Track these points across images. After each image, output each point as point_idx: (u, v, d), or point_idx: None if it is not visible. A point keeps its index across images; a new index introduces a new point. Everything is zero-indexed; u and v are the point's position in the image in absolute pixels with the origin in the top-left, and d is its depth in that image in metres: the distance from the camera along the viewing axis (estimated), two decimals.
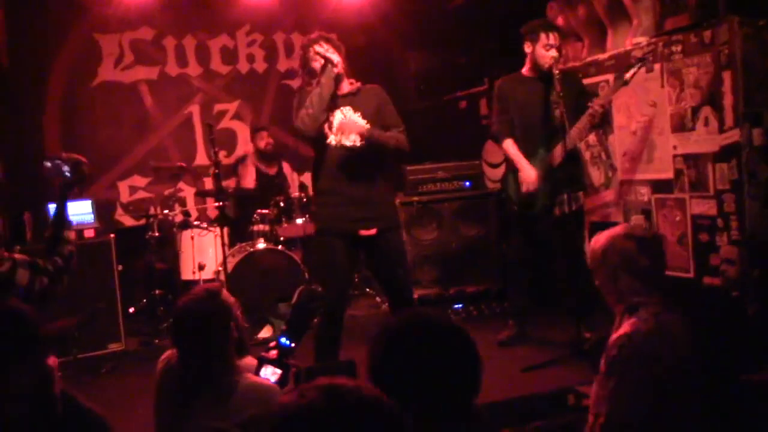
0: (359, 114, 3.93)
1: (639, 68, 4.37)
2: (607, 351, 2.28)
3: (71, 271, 2.55)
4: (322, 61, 3.83)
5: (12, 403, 1.64)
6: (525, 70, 4.71)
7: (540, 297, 5.16)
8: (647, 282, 2.40)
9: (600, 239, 2.47)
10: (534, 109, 4.64)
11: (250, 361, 2.53)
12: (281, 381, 2.38)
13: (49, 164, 2.68)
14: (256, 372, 2.38)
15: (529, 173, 4.58)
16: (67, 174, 2.65)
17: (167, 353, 2.42)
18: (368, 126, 3.89)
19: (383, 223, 3.96)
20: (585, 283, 4.54)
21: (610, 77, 4.94)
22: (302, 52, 4.03)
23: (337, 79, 3.85)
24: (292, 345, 2.45)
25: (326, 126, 3.90)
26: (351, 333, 4.70)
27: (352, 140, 3.91)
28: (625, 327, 2.30)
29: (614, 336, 2.31)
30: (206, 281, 5.97)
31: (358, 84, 4.04)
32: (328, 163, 3.93)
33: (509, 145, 4.68)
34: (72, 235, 2.61)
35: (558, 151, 4.51)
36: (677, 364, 2.26)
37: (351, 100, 3.96)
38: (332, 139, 3.91)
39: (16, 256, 2.44)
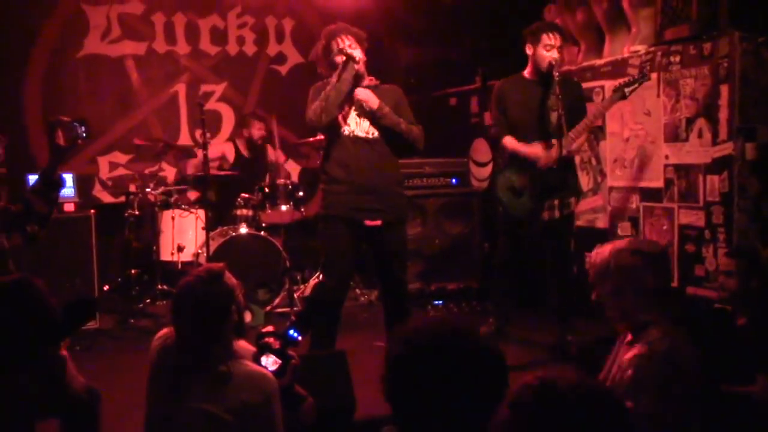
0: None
1: (639, 85, 4.37)
2: (621, 372, 2.21)
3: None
4: (344, 57, 3.78)
5: (23, 398, 1.55)
6: (526, 73, 4.68)
7: (524, 298, 5.17)
8: (653, 300, 2.32)
9: (603, 253, 2.37)
10: (530, 112, 4.61)
11: (244, 344, 2.48)
12: (279, 371, 2.35)
13: (67, 125, 2.70)
14: (256, 358, 2.34)
15: (536, 151, 4.44)
16: (84, 134, 2.67)
17: (164, 331, 2.37)
18: (380, 102, 3.83)
19: (389, 216, 3.93)
20: (569, 287, 4.59)
21: (606, 83, 4.96)
22: (324, 42, 3.92)
23: (357, 77, 3.82)
24: (299, 338, 2.43)
25: (340, 117, 3.86)
26: None
27: (365, 130, 3.89)
28: (639, 347, 2.22)
29: (628, 356, 2.24)
30: (184, 263, 5.89)
31: (377, 82, 4.00)
32: (339, 151, 3.91)
33: (508, 141, 4.56)
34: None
35: (552, 155, 4.51)
36: (691, 384, 2.21)
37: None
38: (346, 129, 3.89)
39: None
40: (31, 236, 2.68)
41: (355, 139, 3.87)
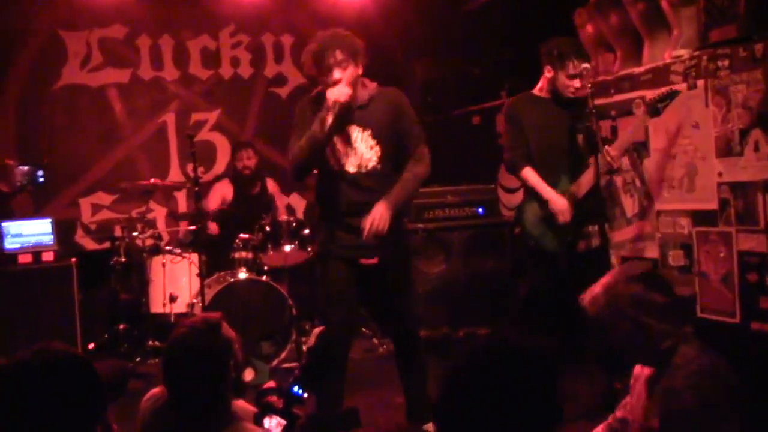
0: (368, 132, 3.93)
1: (671, 101, 4.45)
2: (668, 402, 2.29)
3: None
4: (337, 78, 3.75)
5: None
6: (538, 90, 4.76)
7: (563, 343, 5.16)
8: (672, 318, 2.49)
9: (597, 300, 2.51)
10: (553, 134, 4.69)
11: (242, 404, 2.52)
12: None
13: (24, 169, 2.77)
14: (258, 420, 2.38)
15: (559, 202, 4.61)
16: (40, 179, 2.74)
17: (153, 391, 2.41)
18: (387, 207, 3.83)
19: (386, 253, 3.99)
20: None
21: (647, 93, 4.99)
22: (315, 59, 3.88)
23: (346, 115, 3.83)
24: (305, 395, 2.46)
25: (328, 149, 3.92)
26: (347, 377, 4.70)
27: (357, 163, 3.94)
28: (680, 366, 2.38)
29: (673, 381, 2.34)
30: (178, 315, 5.95)
31: (373, 88, 3.99)
32: (329, 188, 4.00)
33: (529, 174, 4.71)
34: None
35: (586, 179, 4.57)
36: (731, 392, 2.38)
37: (360, 115, 3.93)
38: (335, 165, 3.96)
39: None
40: None
41: (344, 176, 3.93)
